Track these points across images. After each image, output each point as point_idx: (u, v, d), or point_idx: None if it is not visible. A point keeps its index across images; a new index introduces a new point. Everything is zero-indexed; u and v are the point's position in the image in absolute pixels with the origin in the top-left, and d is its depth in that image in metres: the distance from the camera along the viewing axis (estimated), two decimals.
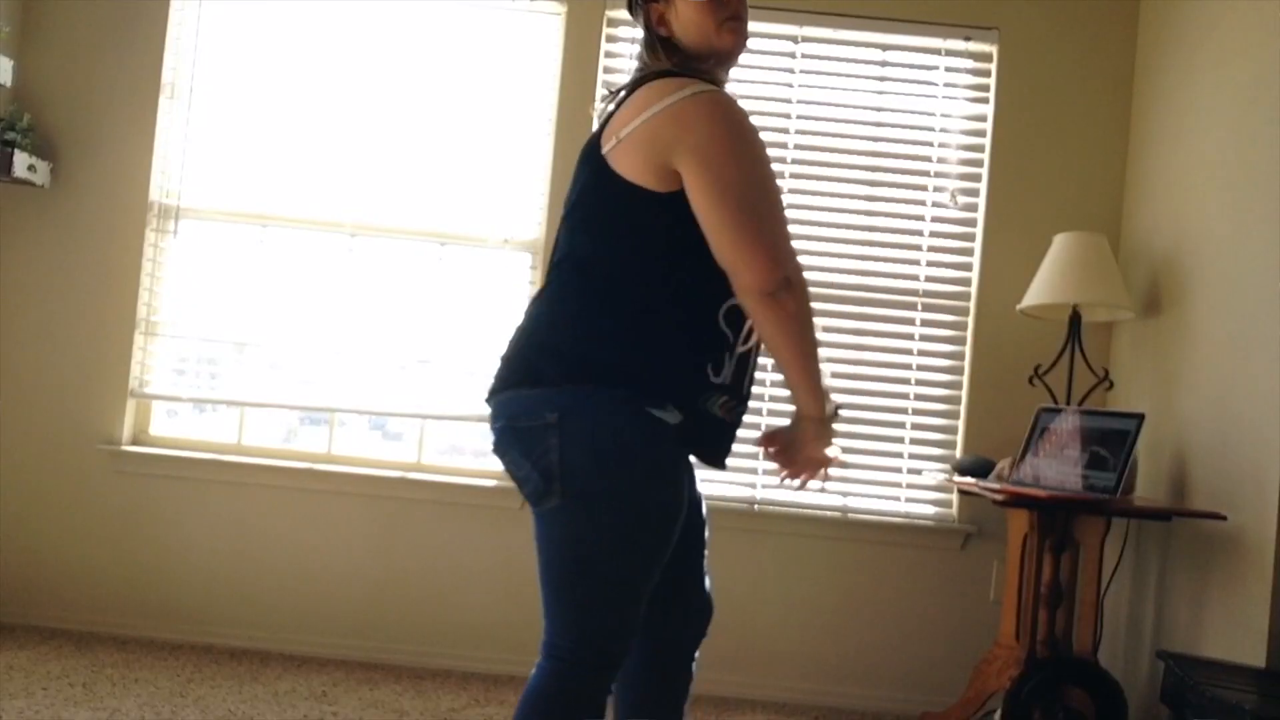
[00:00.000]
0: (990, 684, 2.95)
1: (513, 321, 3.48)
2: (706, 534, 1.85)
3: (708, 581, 1.83)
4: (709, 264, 1.54)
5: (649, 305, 1.55)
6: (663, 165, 1.52)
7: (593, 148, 1.61)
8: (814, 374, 1.57)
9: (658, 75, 1.58)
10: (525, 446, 1.54)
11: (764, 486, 3.43)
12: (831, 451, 1.65)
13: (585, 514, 1.53)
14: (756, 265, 1.48)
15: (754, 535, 3.39)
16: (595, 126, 1.67)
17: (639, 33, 1.70)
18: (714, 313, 1.59)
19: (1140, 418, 2.62)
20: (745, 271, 1.49)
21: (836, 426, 1.64)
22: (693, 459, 1.66)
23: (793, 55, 3.48)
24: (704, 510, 1.82)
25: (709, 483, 3.43)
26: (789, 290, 1.50)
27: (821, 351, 1.59)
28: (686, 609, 1.79)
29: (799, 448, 1.66)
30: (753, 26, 3.45)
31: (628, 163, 1.54)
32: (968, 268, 3.46)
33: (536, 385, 1.54)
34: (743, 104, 3.44)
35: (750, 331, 1.64)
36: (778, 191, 1.56)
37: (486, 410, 1.71)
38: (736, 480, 3.43)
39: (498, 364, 1.63)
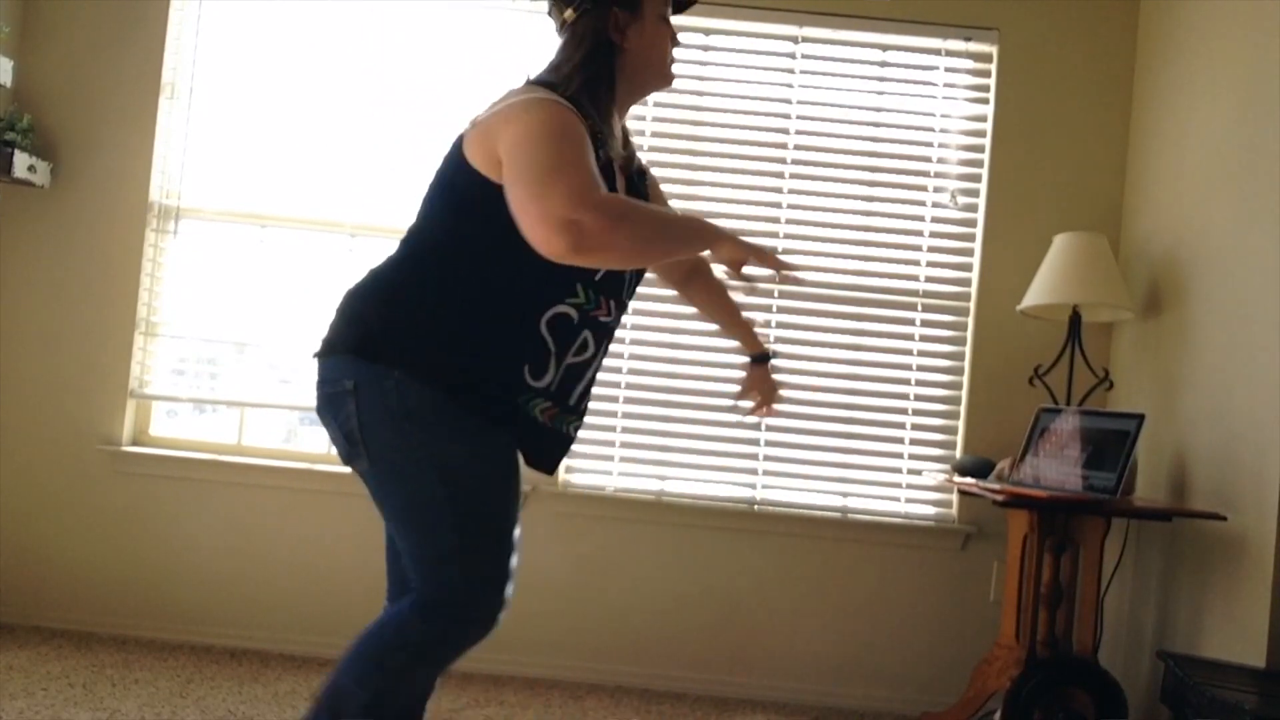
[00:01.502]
0: (990, 684, 2.95)
1: None
2: None
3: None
4: (537, 266, 1.52)
5: (467, 296, 1.58)
6: (493, 152, 1.54)
7: (460, 135, 1.67)
8: (685, 233, 1.52)
9: (540, 84, 1.61)
10: (332, 410, 1.61)
11: (764, 487, 3.43)
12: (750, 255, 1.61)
13: (392, 474, 1.59)
14: (536, 219, 1.40)
15: (754, 535, 3.39)
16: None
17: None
18: (535, 316, 1.60)
19: (1140, 418, 2.62)
20: (532, 231, 1.41)
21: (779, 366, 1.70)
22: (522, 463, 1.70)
23: (793, 55, 3.48)
24: None
25: (709, 484, 3.43)
26: (585, 224, 1.38)
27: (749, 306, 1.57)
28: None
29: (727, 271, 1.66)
30: (752, 26, 3.48)
31: (474, 148, 1.58)
32: (968, 268, 3.46)
33: (343, 353, 1.59)
34: (742, 104, 3.46)
35: (583, 345, 1.66)
36: (576, 158, 1.47)
37: None
38: (736, 480, 3.43)
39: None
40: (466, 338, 1.58)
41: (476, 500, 1.60)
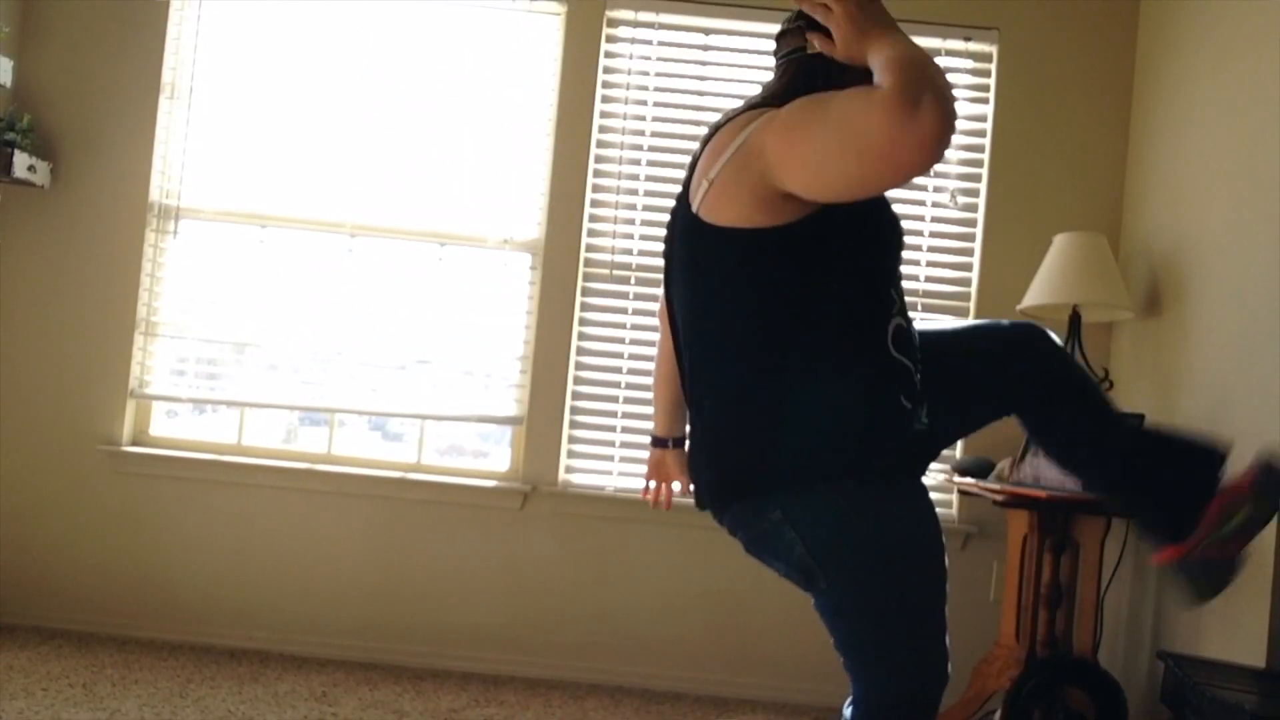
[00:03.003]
0: (990, 684, 2.95)
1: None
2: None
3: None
4: (857, 288, 1.42)
5: (820, 366, 1.41)
6: (753, 190, 1.37)
7: (684, 206, 1.51)
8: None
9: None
10: (772, 549, 1.49)
11: None
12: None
13: (856, 587, 1.46)
14: (901, 145, 1.20)
15: None
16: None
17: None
18: (884, 345, 1.44)
19: (1140, 418, 2.61)
20: (906, 156, 1.20)
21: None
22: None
23: None
24: None
25: None
26: (924, 111, 1.19)
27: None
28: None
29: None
30: (751, 26, 3.47)
31: (724, 208, 1.40)
32: (968, 268, 3.46)
33: (752, 497, 1.48)
34: (743, 104, 3.45)
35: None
36: (843, 105, 1.30)
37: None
38: None
39: (705, 476, 1.54)
40: (846, 406, 1.41)
41: (926, 573, 1.49)
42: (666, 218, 1.82)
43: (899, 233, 1.51)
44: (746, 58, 3.48)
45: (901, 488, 1.48)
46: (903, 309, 1.51)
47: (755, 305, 1.42)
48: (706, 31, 3.50)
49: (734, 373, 1.45)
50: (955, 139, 3.47)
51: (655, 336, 3.45)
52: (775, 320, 1.42)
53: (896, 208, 3.42)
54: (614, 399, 3.45)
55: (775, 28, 3.44)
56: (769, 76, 1.63)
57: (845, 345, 1.42)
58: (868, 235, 1.45)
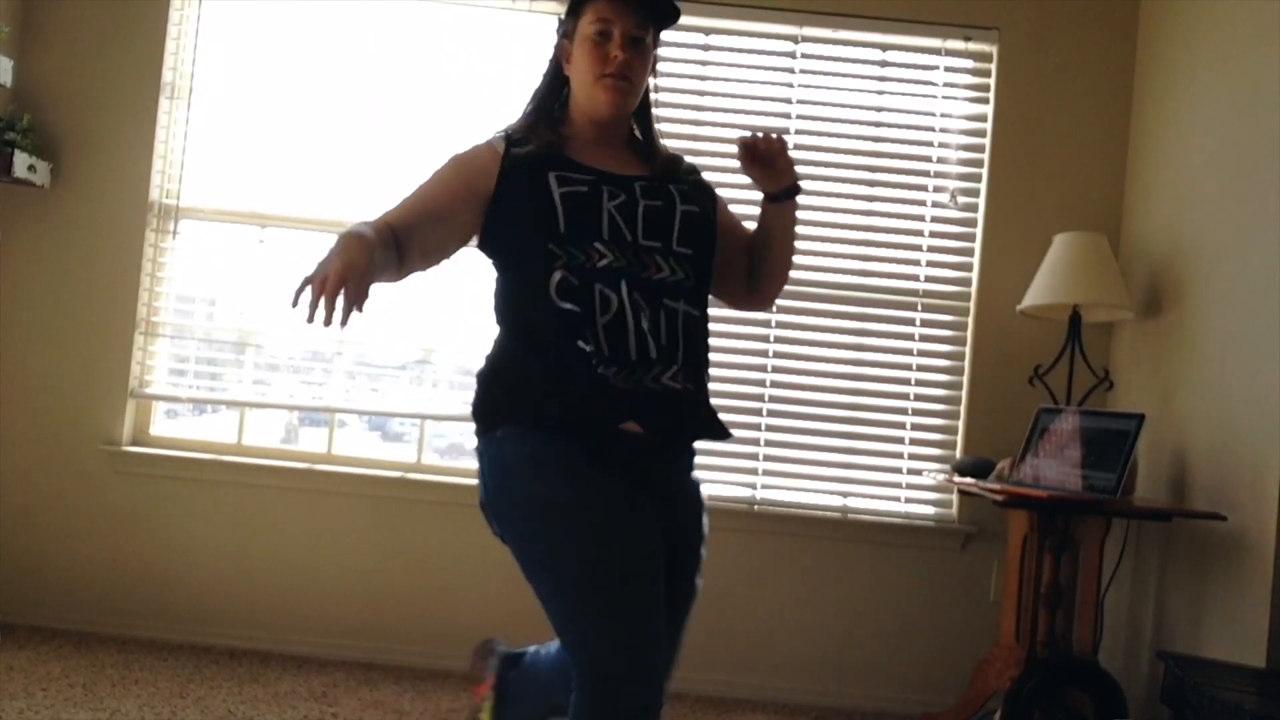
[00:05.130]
0: (990, 684, 2.95)
1: None
2: (688, 583, 1.74)
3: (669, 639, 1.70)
4: (518, 254, 1.66)
5: (505, 347, 1.69)
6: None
7: None
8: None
9: None
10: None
11: (764, 486, 3.43)
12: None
13: (514, 544, 1.63)
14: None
15: (754, 535, 3.39)
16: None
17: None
18: (545, 297, 1.59)
19: (1140, 418, 2.62)
20: None
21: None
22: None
23: (793, 55, 3.48)
24: (693, 550, 1.71)
25: (709, 483, 3.43)
26: None
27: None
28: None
29: None
30: (753, 26, 3.47)
31: None
32: (968, 268, 3.46)
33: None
34: (742, 104, 3.46)
35: (605, 302, 1.58)
36: (418, 188, 1.69)
37: None
38: (736, 480, 3.43)
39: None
40: (514, 367, 1.66)
41: (564, 541, 1.54)
42: None
43: (570, 203, 1.62)
44: (746, 57, 3.48)
45: (564, 443, 1.57)
46: (579, 262, 1.60)
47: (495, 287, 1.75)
48: (707, 31, 3.50)
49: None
50: (955, 139, 3.47)
51: None
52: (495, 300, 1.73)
53: (896, 207, 3.43)
54: None
55: (775, 27, 3.46)
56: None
57: (515, 306, 1.67)
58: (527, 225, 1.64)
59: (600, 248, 1.60)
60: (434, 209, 1.63)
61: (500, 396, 1.63)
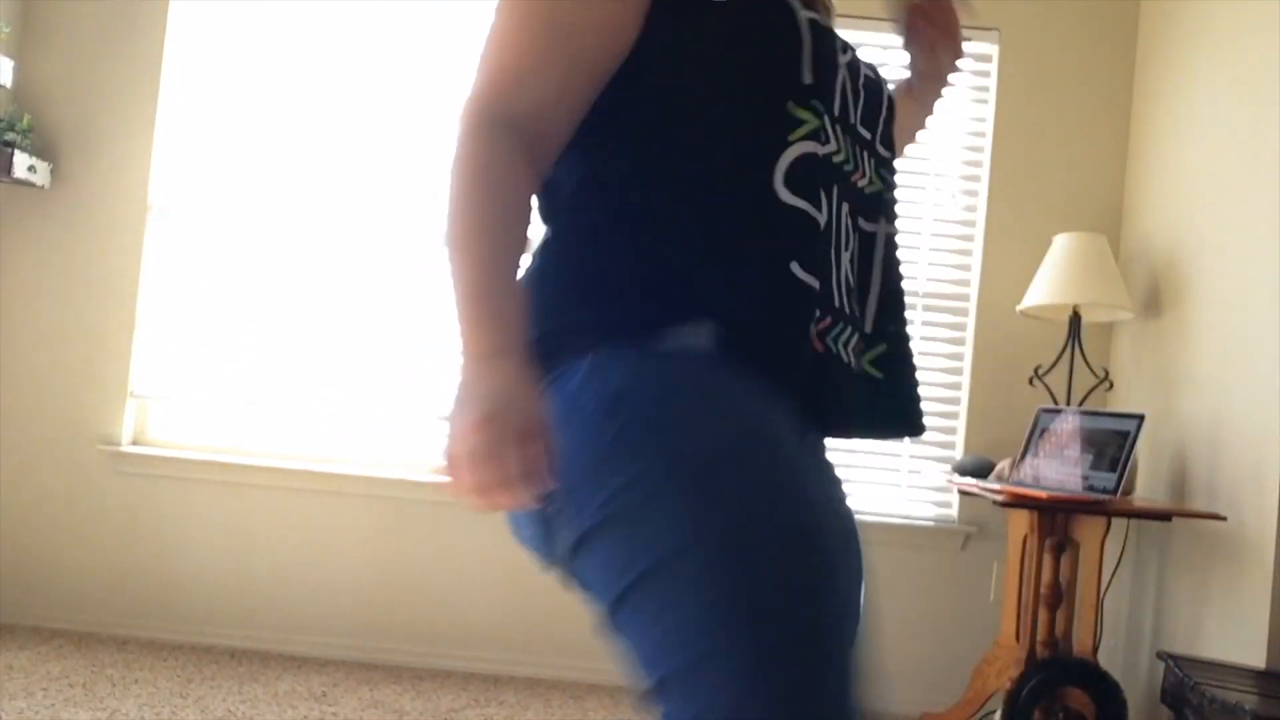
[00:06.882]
0: (990, 684, 2.95)
1: None
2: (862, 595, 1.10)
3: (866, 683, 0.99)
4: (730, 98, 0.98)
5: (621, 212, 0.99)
6: None
7: None
8: (473, 298, 0.89)
9: None
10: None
11: None
12: None
13: (599, 524, 0.94)
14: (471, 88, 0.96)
15: None
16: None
17: None
18: (764, 174, 0.97)
19: (1140, 418, 2.62)
20: None
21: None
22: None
23: None
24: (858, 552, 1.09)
25: None
26: (461, 132, 0.93)
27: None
28: None
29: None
30: None
31: None
32: (968, 268, 3.46)
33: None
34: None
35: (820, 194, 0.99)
36: (543, 18, 0.94)
37: None
38: None
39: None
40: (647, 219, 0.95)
41: (756, 543, 0.84)
42: None
43: (819, 40, 0.99)
44: None
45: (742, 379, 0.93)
46: (826, 148, 1.00)
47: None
48: None
49: None
50: (955, 139, 3.47)
51: None
52: None
53: (898, 208, 3.43)
54: None
55: None
56: None
57: (668, 189, 0.96)
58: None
59: (829, 127, 1.01)
60: (600, 72, 0.96)
61: (616, 284, 0.93)
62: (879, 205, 1.08)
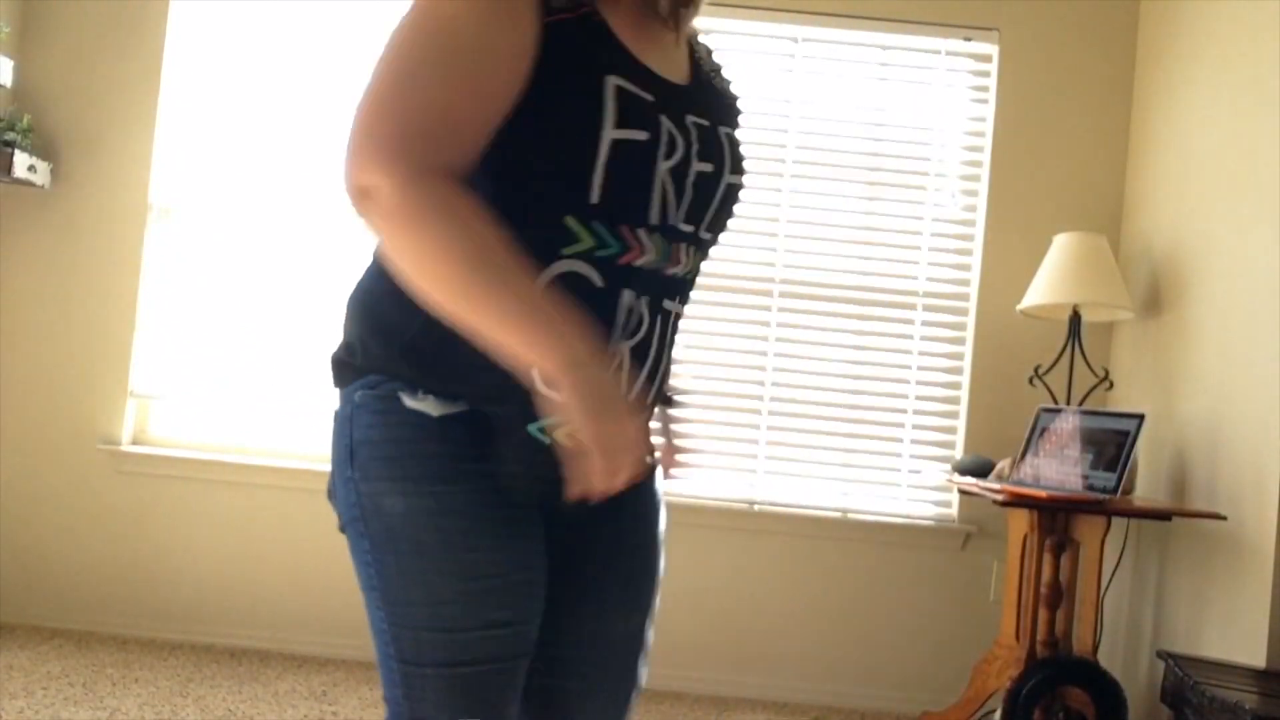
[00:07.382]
0: (990, 684, 2.95)
1: None
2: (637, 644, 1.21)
3: None
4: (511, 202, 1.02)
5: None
6: None
7: None
8: (508, 301, 0.92)
9: None
10: None
11: (764, 486, 3.43)
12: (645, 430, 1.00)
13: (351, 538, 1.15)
14: (344, 158, 0.99)
15: (754, 535, 3.39)
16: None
17: None
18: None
19: (1140, 418, 2.62)
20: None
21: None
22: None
23: (792, 56, 3.48)
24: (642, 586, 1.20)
25: (709, 483, 3.43)
26: (381, 190, 0.98)
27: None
28: None
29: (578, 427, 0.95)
30: (752, 27, 3.47)
31: None
32: (968, 268, 3.46)
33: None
34: (742, 105, 3.45)
35: (630, 319, 1.06)
36: (446, 63, 0.93)
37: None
38: (736, 480, 3.43)
39: None
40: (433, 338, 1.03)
41: (406, 601, 1.04)
42: None
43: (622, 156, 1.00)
44: (746, 58, 3.48)
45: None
46: (611, 253, 1.02)
47: None
48: (706, 32, 3.50)
49: None
50: (955, 139, 3.47)
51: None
52: None
53: (896, 208, 3.43)
54: None
55: (775, 28, 3.46)
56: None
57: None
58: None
59: (636, 236, 1.04)
60: (499, 106, 0.97)
61: (393, 331, 1.05)
62: (682, 286, 1.13)
